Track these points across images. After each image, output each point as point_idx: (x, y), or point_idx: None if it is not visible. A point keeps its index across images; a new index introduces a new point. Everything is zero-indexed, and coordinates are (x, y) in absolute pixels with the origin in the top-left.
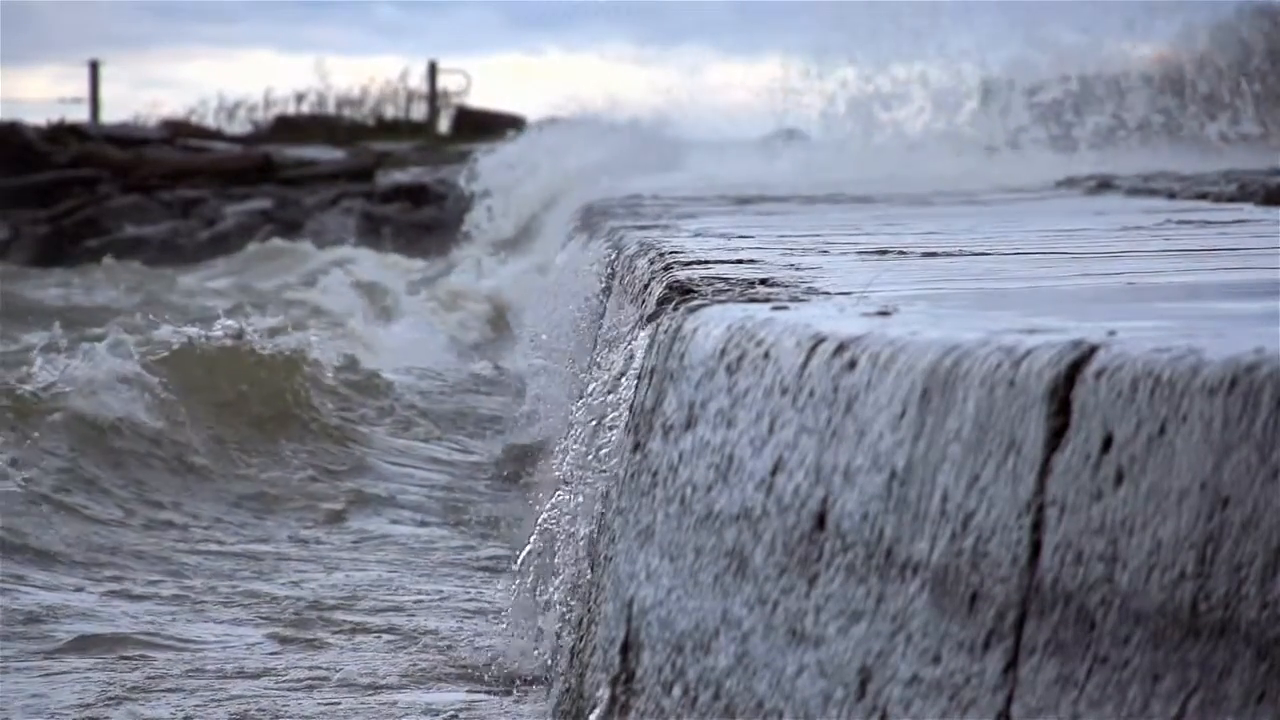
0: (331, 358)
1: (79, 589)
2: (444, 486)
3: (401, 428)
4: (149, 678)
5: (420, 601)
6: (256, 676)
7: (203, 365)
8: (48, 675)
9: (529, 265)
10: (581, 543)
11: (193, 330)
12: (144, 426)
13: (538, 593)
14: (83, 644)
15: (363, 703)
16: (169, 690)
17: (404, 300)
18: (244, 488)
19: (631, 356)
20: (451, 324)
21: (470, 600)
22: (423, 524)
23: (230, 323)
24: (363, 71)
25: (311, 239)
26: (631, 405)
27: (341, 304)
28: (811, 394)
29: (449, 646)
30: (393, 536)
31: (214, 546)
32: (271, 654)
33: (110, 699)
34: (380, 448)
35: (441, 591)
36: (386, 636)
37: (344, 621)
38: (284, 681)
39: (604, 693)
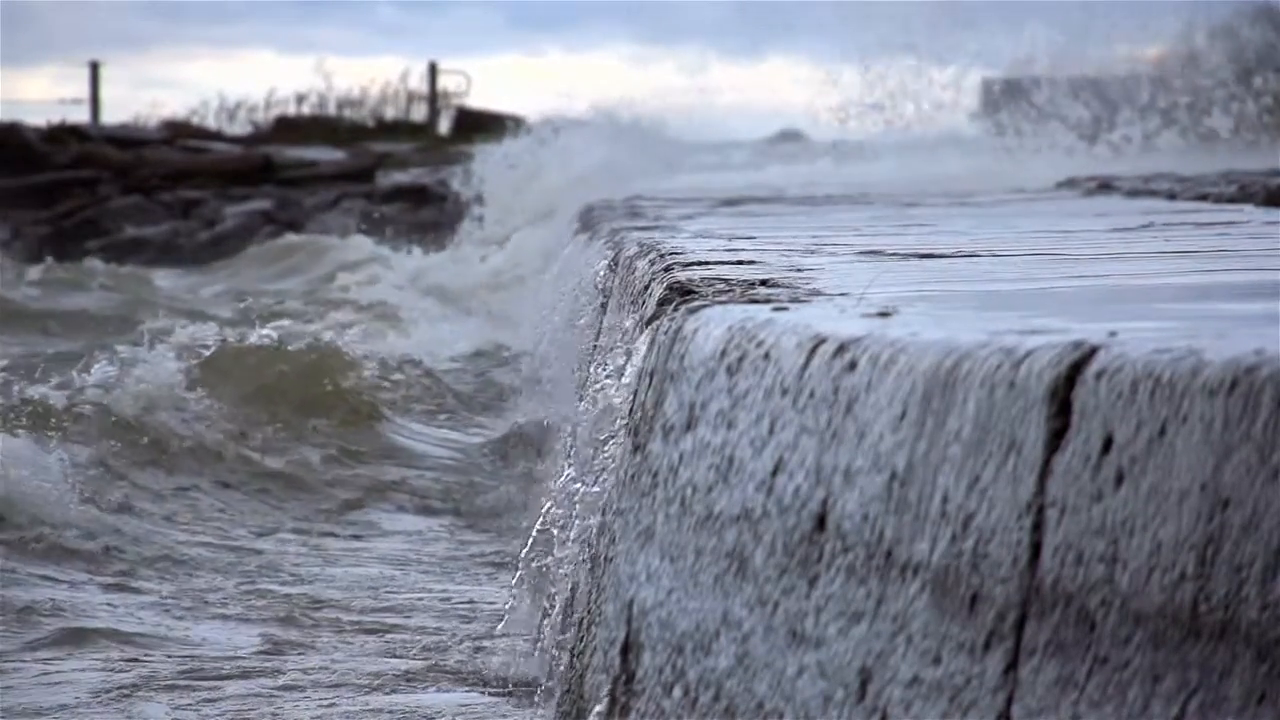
0: (374, 349)
1: (83, 584)
2: (458, 470)
3: (429, 415)
4: (144, 677)
5: (422, 600)
6: (253, 677)
7: (242, 364)
8: (45, 673)
9: (534, 236)
10: (582, 544)
11: (232, 331)
12: (181, 423)
13: (538, 593)
14: (80, 641)
15: (361, 704)
16: (165, 689)
17: (450, 294)
18: (265, 477)
19: (631, 358)
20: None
21: (473, 599)
22: (431, 514)
23: (268, 332)
24: (363, 72)
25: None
26: (632, 406)
27: (393, 298)
28: (812, 395)
29: (449, 647)
30: (399, 530)
31: (224, 541)
32: (270, 654)
33: (106, 698)
34: (405, 434)
35: (444, 589)
36: (387, 636)
37: (344, 621)
38: (282, 682)
39: (604, 694)
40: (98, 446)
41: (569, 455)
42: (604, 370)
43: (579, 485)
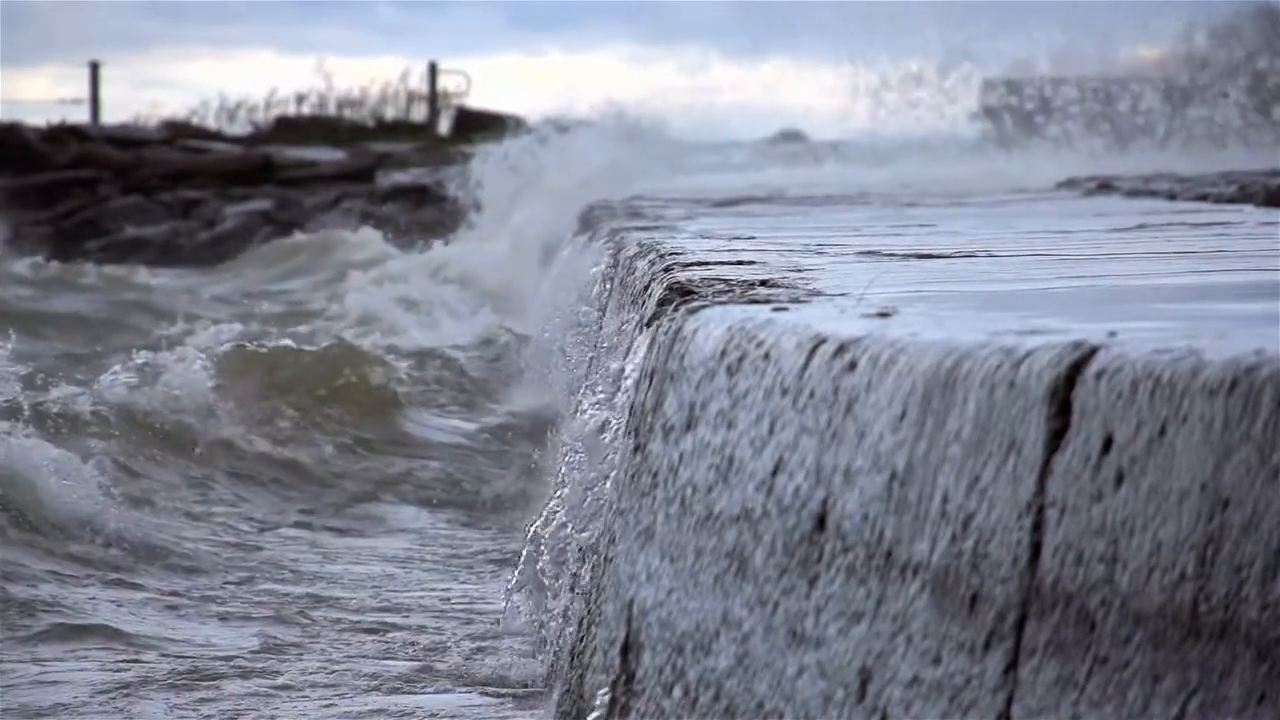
0: (393, 342)
1: (85, 581)
2: (467, 460)
3: (444, 404)
4: (143, 676)
5: (422, 600)
6: (252, 676)
7: (263, 362)
8: (44, 672)
9: (539, 220)
10: (582, 544)
11: (250, 330)
12: (200, 419)
13: (538, 592)
14: (79, 638)
15: (361, 703)
16: (163, 688)
17: (465, 283)
18: (280, 468)
19: (632, 358)
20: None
21: (474, 599)
22: (437, 507)
23: (286, 341)
24: (363, 72)
25: None
26: (632, 406)
27: (406, 291)
28: (812, 395)
29: (449, 647)
30: (404, 526)
31: (229, 538)
32: (269, 653)
33: (104, 697)
34: (421, 424)
35: (446, 588)
36: (387, 636)
37: (345, 620)
38: (280, 681)
39: (604, 694)
40: (116, 446)
41: (560, 495)
42: (592, 398)
43: (569, 529)
